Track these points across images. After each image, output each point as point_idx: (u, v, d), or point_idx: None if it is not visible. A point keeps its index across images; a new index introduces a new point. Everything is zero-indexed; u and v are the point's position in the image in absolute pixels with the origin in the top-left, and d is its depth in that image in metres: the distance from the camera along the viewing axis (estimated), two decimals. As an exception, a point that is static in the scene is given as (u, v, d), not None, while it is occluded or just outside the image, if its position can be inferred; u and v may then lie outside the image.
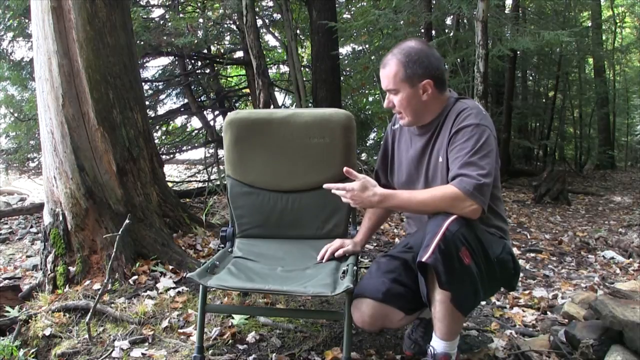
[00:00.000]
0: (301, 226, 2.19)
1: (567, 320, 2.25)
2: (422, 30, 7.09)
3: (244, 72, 8.16)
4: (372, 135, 9.12)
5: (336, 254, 1.99)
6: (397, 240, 3.91)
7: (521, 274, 3.24)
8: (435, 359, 1.68)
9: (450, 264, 1.52)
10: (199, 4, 7.25)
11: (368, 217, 2.09)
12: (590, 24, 11.97)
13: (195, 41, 5.61)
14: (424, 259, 1.53)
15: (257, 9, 6.97)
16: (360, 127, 7.79)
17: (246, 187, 2.18)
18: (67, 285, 2.54)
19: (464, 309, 1.64)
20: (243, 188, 2.18)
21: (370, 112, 9.02)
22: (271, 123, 2.13)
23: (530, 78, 12.77)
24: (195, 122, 8.01)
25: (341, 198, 1.75)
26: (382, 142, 2.05)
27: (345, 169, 1.74)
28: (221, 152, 6.74)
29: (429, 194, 1.65)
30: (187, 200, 5.22)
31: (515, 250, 3.93)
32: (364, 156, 8.13)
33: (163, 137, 7.67)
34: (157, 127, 7.30)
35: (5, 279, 3.04)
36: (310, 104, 6.70)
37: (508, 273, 1.75)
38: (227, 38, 7.79)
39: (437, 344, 1.69)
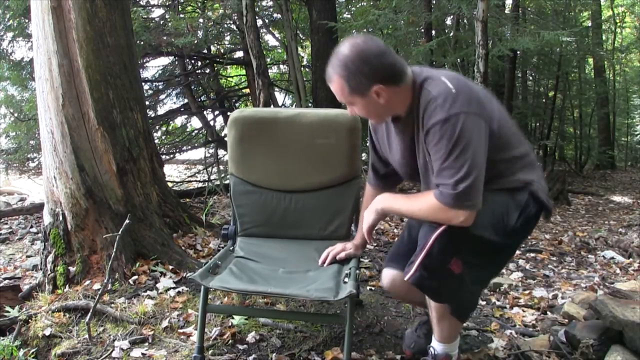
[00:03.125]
0: (304, 226, 2.18)
1: (567, 320, 2.25)
2: (422, 30, 7.09)
3: (244, 72, 8.16)
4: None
5: (338, 257, 1.97)
6: (396, 240, 3.90)
7: (521, 274, 3.24)
8: (436, 359, 1.68)
9: (438, 280, 1.49)
10: (199, 4, 7.25)
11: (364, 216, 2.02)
12: (590, 24, 11.97)
13: (195, 41, 5.61)
14: (406, 278, 1.51)
15: (257, 9, 6.97)
16: (365, 128, 7.78)
17: (249, 186, 2.18)
18: (67, 285, 2.54)
19: (463, 316, 1.62)
20: (246, 186, 2.18)
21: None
22: (276, 122, 2.13)
23: (530, 78, 12.76)
24: (195, 122, 8.02)
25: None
26: (369, 136, 1.92)
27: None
28: (221, 152, 6.75)
29: (417, 207, 1.55)
30: (187, 200, 5.21)
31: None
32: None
33: (163, 137, 7.67)
34: (157, 127, 7.30)
35: (5, 279, 3.04)
36: (310, 104, 6.70)
37: (532, 222, 1.61)
38: (227, 38, 7.79)
39: (437, 346, 1.69)
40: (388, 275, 1.79)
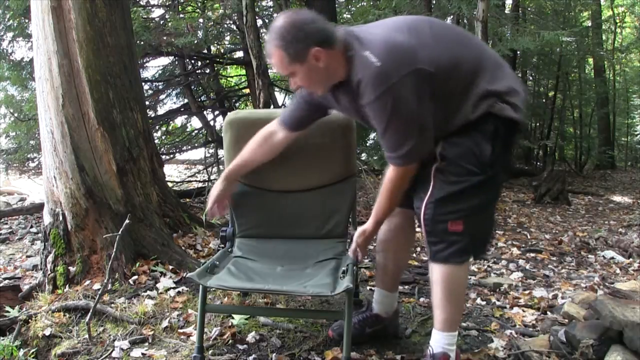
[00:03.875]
0: (301, 226, 2.19)
1: (567, 320, 2.25)
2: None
3: (244, 72, 8.15)
4: (372, 135, 9.07)
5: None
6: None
7: (521, 274, 3.24)
8: (435, 359, 1.68)
9: (450, 245, 1.62)
10: (199, 4, 7.24)
11: (250, 147, 2.00)
12: (590, 24, 11.97)
13: (195, 41, 5.60)
14: (431, 260, 1.68)
15: (257, 9, 6.97)
16: (360, 127, 7.78)
17: (246, 187, 2.18)
18: (67, 285, 2.54)
19: (485, 252, 1.80)
20: (243, 188, 2.18)
21: (370, 112, 8.98)
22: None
23: (530, 78, 12.75)
24: (195, 122, 8.01)
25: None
26: (298, 99, 1.88)
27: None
28: (221, 152, 6.73)
29: (388, 188, 1.69)
30: (187, 200, 5.22)
31: (515, 251, 3.93)
32: (363, 156, 8.11)
33: (163, 137, 7.66)
34: (157, 127, 7.29)
35: (5, 279, 3.05)
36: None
37: (510, 139, 1.67)
38: (227, 38, 7.78)
39: (435, 340, 1.70)
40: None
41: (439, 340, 1.70)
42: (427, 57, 1.51)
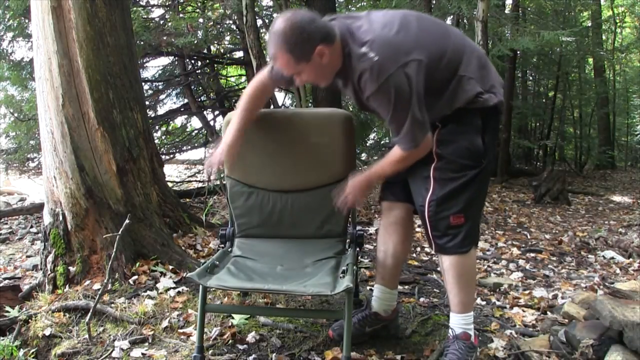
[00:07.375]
0: (301, 226, 2.19)
1: (567, 320, 2.25)
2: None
3: (244, 72, 8.15)
4: (372, 135, 9.09)
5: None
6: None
7: (521, 274, 3.24)
8: (457, 338, 1.79)
9: (454, 237, 1.73)
10: (199, 4, 7.24)
11: (250, 102, 1.99)
12: (590, 24, 11.97)
13: (195, 41, 5.60)
14: (434, 252, 1.82)
15: (257, 9, 6.97)
16: (360, 127, 7.78)
17: (245, 187, 2.18)
18: (67, 285, 2.54)
19: (477, 240, 1.86)
20: (242, 188, 2.18)
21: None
22: (271, 123, 2.14)
23: (530, 78, 12.76)
24: (195, 122, 8.01)
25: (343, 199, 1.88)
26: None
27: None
28: (221, 152, 6.72)
29: (386, 164, 1.79)
30: (187, 200, 5.22)
31: (515, 251, 3.93)
32: (363, 156, 8.12)
33: (163, 137, 7.66)
34: (157, 127, 7.29)
35: (5, 279, 3.04)
36: (310, 104, 6.70)
37: (496, 127, 1.84)
38: (227, 38, 7.78)
39: (454, 322, 1.81)
40: (386, 205, 2.01)
41: (457, 321, 1.82)
42: (418, 49, 1.63)
